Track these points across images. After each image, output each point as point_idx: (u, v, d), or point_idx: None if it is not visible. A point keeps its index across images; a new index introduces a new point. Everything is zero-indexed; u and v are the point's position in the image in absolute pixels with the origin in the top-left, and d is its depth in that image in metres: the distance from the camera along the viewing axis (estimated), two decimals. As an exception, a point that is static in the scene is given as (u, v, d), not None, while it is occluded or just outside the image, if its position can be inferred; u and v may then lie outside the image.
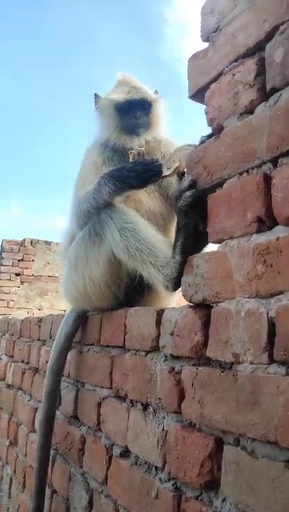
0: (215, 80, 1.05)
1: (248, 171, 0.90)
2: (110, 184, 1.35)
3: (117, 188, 1.34)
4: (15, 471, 2.34)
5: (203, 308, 0.99)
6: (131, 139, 1.62)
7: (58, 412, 1.72)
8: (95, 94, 1.76)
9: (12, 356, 2.73)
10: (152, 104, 1.70)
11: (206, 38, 1.12)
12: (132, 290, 1.47)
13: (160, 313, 1.16)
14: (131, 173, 1.33)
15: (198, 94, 1.13)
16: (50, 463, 1.70)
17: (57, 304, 8.43)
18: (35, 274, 8.42)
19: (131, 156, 1.39)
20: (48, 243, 8.66)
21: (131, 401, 1.26)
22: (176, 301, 1.59)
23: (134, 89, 1.69)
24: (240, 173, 0.92)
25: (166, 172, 1.29)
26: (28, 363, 2.35)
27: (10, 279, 8.22)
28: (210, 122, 1.05)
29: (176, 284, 1.17)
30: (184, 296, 1.06)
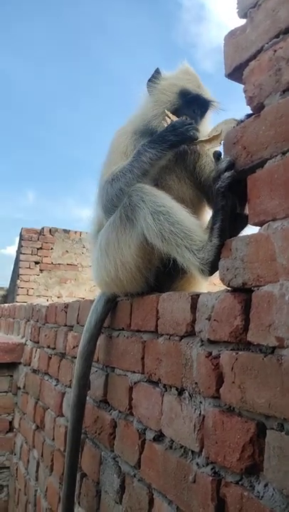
0: (254, 57, 1.02)
1: (292, 150, 0.88)
2: (150, 149, 1.38)
3: (157, 152, 1.37)
4: (42, 455, 2.37)
5: (242, 292, 0.97)
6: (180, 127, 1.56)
7: (86, 397, 1.72)
8: (157, 69, 1.67)
9: (37, 342, 2.76)
10: (209, 109, 1.65)
11: (243, 14, 1.08)
12: (163, 275, 1.46)
13: (195, 298, 1.15)
14: (168, 132, 1.37)
15: (235, 73, 1.10)
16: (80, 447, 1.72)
17: (76, 292, 8.50)
18: (54, 263, 8.49)
19: (167, 118, 1.42)
20: (66, 231, 8.71)
21: (164, 386, 1.25)
22: (206, 287, 1.57)
23: (204, 89, 1.63)
24: (284, 153, 0.89)
25: (204, 137, 1.29)
26: (54, 348, 2.37)
27: (29, 268, 8.32)
28: (249, 101, 1.02)
29: (212, 268, 1.15)
30: (222, 280, 1.04)
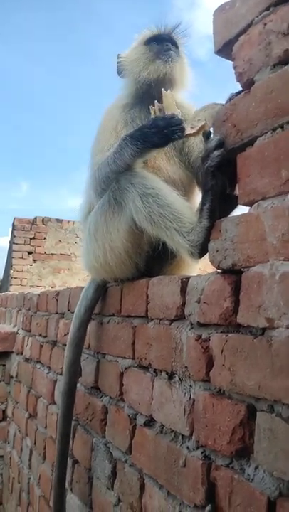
0: (244, 31, 0.98)
1: (282, 127, 0.85)
2: (132, 146, 1.29)
3: (139, 149, 1.29)
4: (35, 443, 2.37)
5: (232, 273, 0.95)
6: (164, 62, 1.59)
7: (77, 384, 1.71)
8: (118, 55, 1.71)
9: (29, 330, 2.74)
10: (179, 45, 1.68)
11: (233, -12, 1.05)
12: (152, 259, 1.44)
13: (185, 282, 1.13)
14: (152, 129, 1.26)
15: (225, 49, 1.06)
16: (71, 434, 1.71)
17: (69, 282, 8.47)
18: (47, 252, 8.44)
19: (152, 112, 1.33)
20: (59, 221, 8.64)
21: (155, 370, 1.24)
22: (197, 269, 1.56)
23: (167, 27, 1.67)
24: (274, 129, 0.87)
25: (190, 131, 1.22)
26: (45, 336, 2.35)
27: (22, 258, 8.26)
28: (239, 77, 0.99)
29: (202, 250, 1.12)
30: (212, 262, 1.02)
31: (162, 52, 1.61)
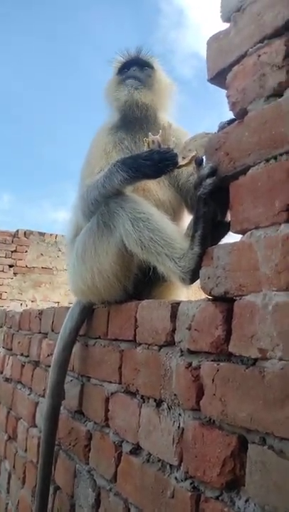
0: (238, 61, 1.00)
1: (275, 158, 0.86)
2: (123, 172, 1.29)
3: (130, 177, 1.29)
4: (14, 466, 2.29)
5: (224, 301, 0.95)
6: (128, 91, 1.62)
7: (61, 407, 1.67)
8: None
9: (10, 349, 2.68)
10: (151, 65, 1.72)
11: (226, 18, 1.06)
12: (141, 282, 1.42)
13: (175, 307, 1.12)
14: (147, 161, 1.26)
15: (218, 77, 1.08)
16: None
17: (50, 296, 8.37)
18: (28, 266, 8.34)
19: (146, 144, 1.34)
20: (41, 234, 8.57)
21: (142, 397, 1.22)
22: (186, 294, 1.55)
23: (134, 51, 1.72)
24: (267, 160, 0.87)
25: (181, 162, 1.23)
26: (27, 356, 2.30)
27: (3, 271, 8.14)
28: (232, 106, 1.00)
29: (193, 276, 1.12)
30: (203, 289, 1.01)
31: (124, 81, 1.67)
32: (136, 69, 1.67)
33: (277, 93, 0.87)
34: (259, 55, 0.93)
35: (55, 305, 8.04)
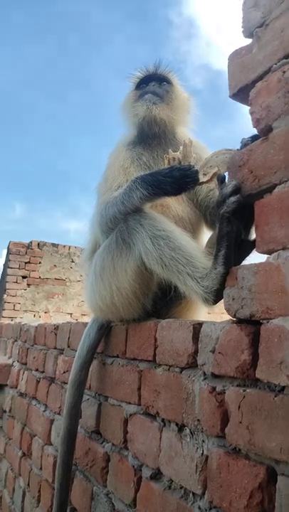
0: (261, 77, 0.98)
1: (304, 176, 0.83)
2: (143, 189, 1.27)
3: (150, 194, 1.27)
4: (28, 484, 2.26)
5: (249, 324, 0.92)
6: (140, 105, 1.62)
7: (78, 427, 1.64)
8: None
9: (25, 364, 2.66)
10: (170, 80, 1.70)
11: (249, 34, 1.05)
12: (160, 300, 1.39)
13: (197, 328, 1.08)
14: (167, 178, 1.24)
15: (240, 94, 1.06)
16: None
17: (64, 307, 8.36)
18: (41, 277, 8.34)
19: (166, 161, 1.32)
20: (55, 245, 8.59)
21: (163, 420, 1.18)
22: (204, 313, 1.52)
23: (152, 66, 1.71)
24: (295, 179, 0.85)
25: (202, 178, 1.20)
26: (43, 371, 2.28)
27: (16, 282, 8.15)
28: (256, 123, 0.97)
29: (217, 297, 1.09)
30: (227, 310, 0.98)
31: (142, 96, 1.66)
32: (154, 84, 1.66)
33: (305, 110, 0.84)
34: (284, 72, 0.91)
35: (68, 316, 8.03)
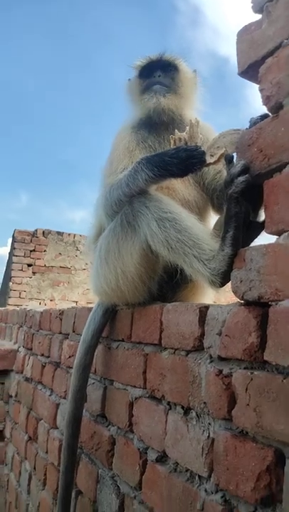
0: (272, 53, 0.95)
1: (315, 154, 0.81)
2: (148, 170, 1.25)
3: (155, 175, 1.24)
4: (35, 468, 2.28)
5: (257, 306, 0.90)
6: (149, 97, 1.58)
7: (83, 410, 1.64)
8: (129, 79, 1.72)
9: (30, 349, 2.67)
10: (175, 66, 1.66)
11: (258, 9, 1.01)
12: (166, 283, 1.38)
13: (204, 311, 1.07)
14: (173, 159, 1.21)
15: (249, 71, 1.03)
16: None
17: (69, 295, 8.39)
18: (47, 265, 8.37)
19: (172, 142, 1.29)
20: (60, 234, 8.59)
21: (169, 403, 1.17)
22: (212, 296, 1.50)
23: (156, 54, 1.66)
24: (306, 157, 0.82)
25: (210, 159, 1.18)
26: (48, 356, 2.28)
27: (22, 270, 8.19)
28: (266, 100, 0.94)
29: (224, 279, 1.07)
30: (235, 292, 0.97)
31: (150, 88, 1.61)
32: (161, 74, 1.62)
33: (317, 85, 0.82)
34: (296, 46, 0.88)
35: (74, 304, 8.06)
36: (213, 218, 1.54)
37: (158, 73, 1.64)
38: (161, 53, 1.66)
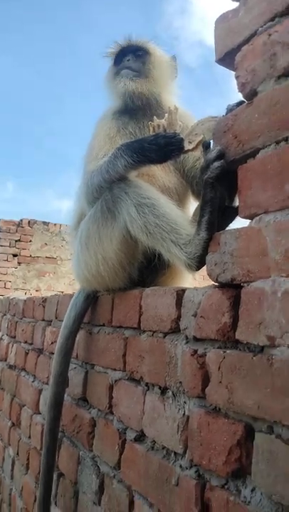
0: (247, 41, 0.97)
1: (286, 139, 0.83)
2: (127, 156, 1.26)
3: (134, 161, 1.26)
4: (18, 453, 2.31)
5: (231, 288, 0.93)
6: (117, 82, 1.59)
7: (65, 395, 1.66)
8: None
9: (14, 337, 2.68)
10: (146, 50, 1.65)
11: (236, -3, 1.03)
12: (146, 269, 1.40)
13: (180, 294, 1.10)
14: (152, 146, 1.23)
15: (226, 58, 1.05)
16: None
17: (55, 286, 8.37)
18: (32, 255, 8.33)
19: (151, 128, 1.30)
20: (45, 224, 8.55)
21: (147, 384, 1.20)
22: (191, 281, 1.53)
23: (128, 40, 1.66)
24: (278, 142, 0.85)
25: (188, 146, 1.20)
26: (31, 343, 2.30)
27: (7, 260, 8.14)
28: (241, 87, 0.97)
29: (199, 262, 1.10)
30: (209, 275, 0.99)
31: (119, 73, 1.63)
32: (130, 58, 1.62)
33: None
34: (270, 34, 0.90)
35: (67, 293, 8.04)
36: (193, 205, 1.57)
37: (127, 58, 1.64)
38: (129, 38, 1.67)
